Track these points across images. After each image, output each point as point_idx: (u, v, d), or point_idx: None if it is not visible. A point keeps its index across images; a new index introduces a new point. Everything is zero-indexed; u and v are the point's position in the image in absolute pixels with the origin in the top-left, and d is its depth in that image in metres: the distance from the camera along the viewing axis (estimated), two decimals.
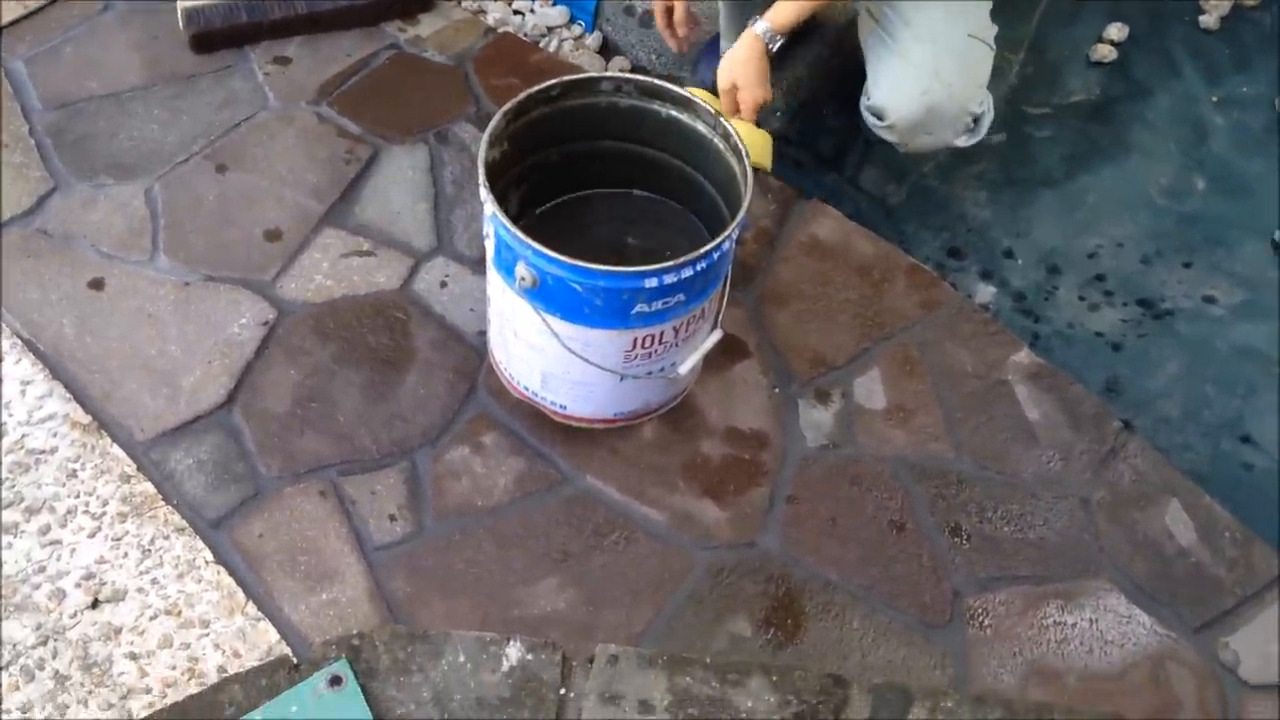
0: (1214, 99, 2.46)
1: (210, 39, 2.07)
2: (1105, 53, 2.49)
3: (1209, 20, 2.56)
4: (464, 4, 2.44)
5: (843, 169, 2.32)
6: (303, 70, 2.09)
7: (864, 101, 1.96)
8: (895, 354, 1.81)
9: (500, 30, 2.28)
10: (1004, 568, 1.59)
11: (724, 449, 1.69)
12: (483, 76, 2.12)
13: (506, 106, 1.51)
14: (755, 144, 1.90)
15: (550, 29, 2.45)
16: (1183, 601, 1.59)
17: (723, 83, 1.85)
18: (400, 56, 2.14)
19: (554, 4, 2.48)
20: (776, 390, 1.76)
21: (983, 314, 1.89)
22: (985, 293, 2.14)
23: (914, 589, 1.57)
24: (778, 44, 1.86)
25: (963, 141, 2.03)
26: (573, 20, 2.47)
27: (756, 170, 1.68)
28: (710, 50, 2.32)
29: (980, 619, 1.54)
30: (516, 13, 2.47)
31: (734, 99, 1.85)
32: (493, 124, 1.50)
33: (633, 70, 2.42)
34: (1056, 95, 2.46)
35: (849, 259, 1.92)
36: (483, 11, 2.43)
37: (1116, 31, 2.52)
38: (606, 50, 2.46)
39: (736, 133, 1.52)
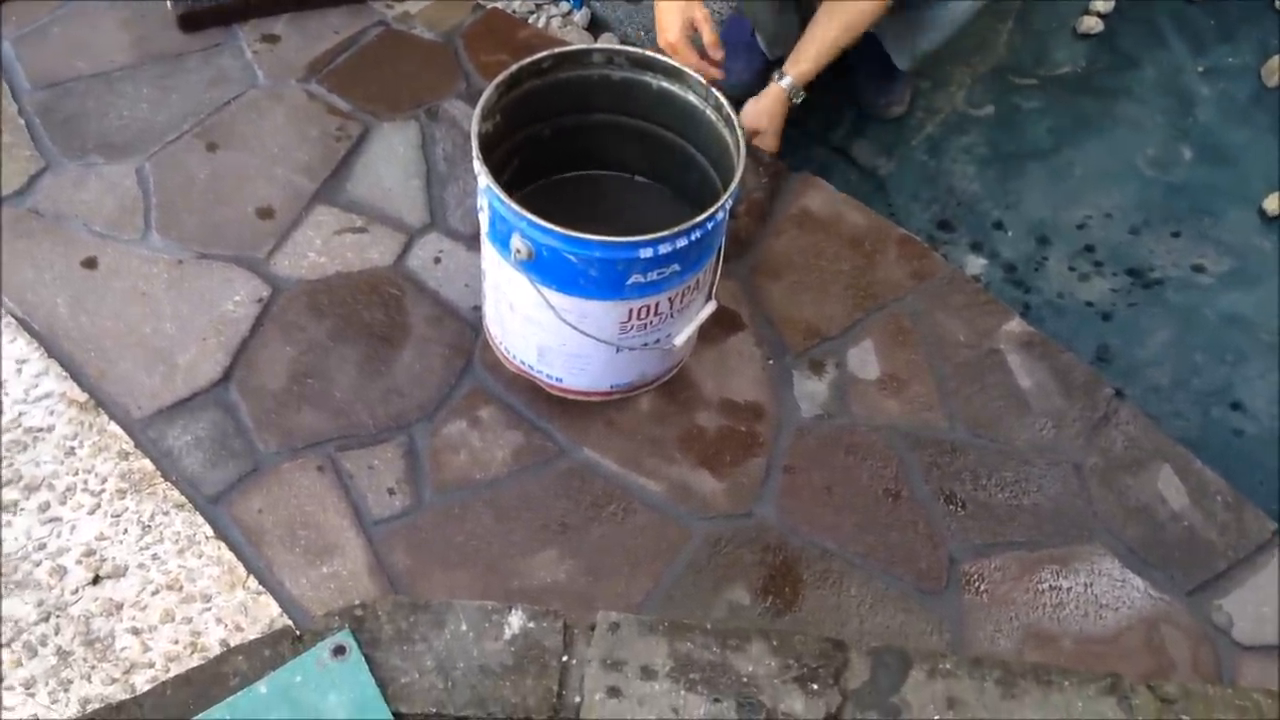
0: (1200, 69, 2.47)
1: (198, 17, 2.06)
2: (1092, 24, 2.50)
3: None
4: None
5: (831, 142, 2.32)
6: (291, 48, 2.08)
7: None
8: (888, 324, 1.82)
9: (489, 6, 2.28)
10: (999, 534, 1.61)
11: (720, 420, 1.70)
12: (472, 53, 2.12)
13: (499, 79, 1.52)
14: None
15: (538, 5, 2.44)
16: (1176, 565, 1.60)
17: (746, 125, 1.89)
18: (389, 33, 2.14)
19: None
20: (771, 361, 1.77)
21: (974, 284, 1.90)
22: (976, 264, 2.15)
23: (910, 556, 1.58)
24: (801, 98, 1.97)
25: None
26: None
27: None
28: (733, 40, 2.29)
29: (976, 584, 1.56)
30: None
31: (750, 141, 1.90)
32: (485, 96, 1.50)
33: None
34: (1044, 67, 2.46)
35: (840, 231, 1.93)
36: None
37: (1102, 4, 2.53)
38: (595, 27, 2.46)
39: (729, 104, 1.52)
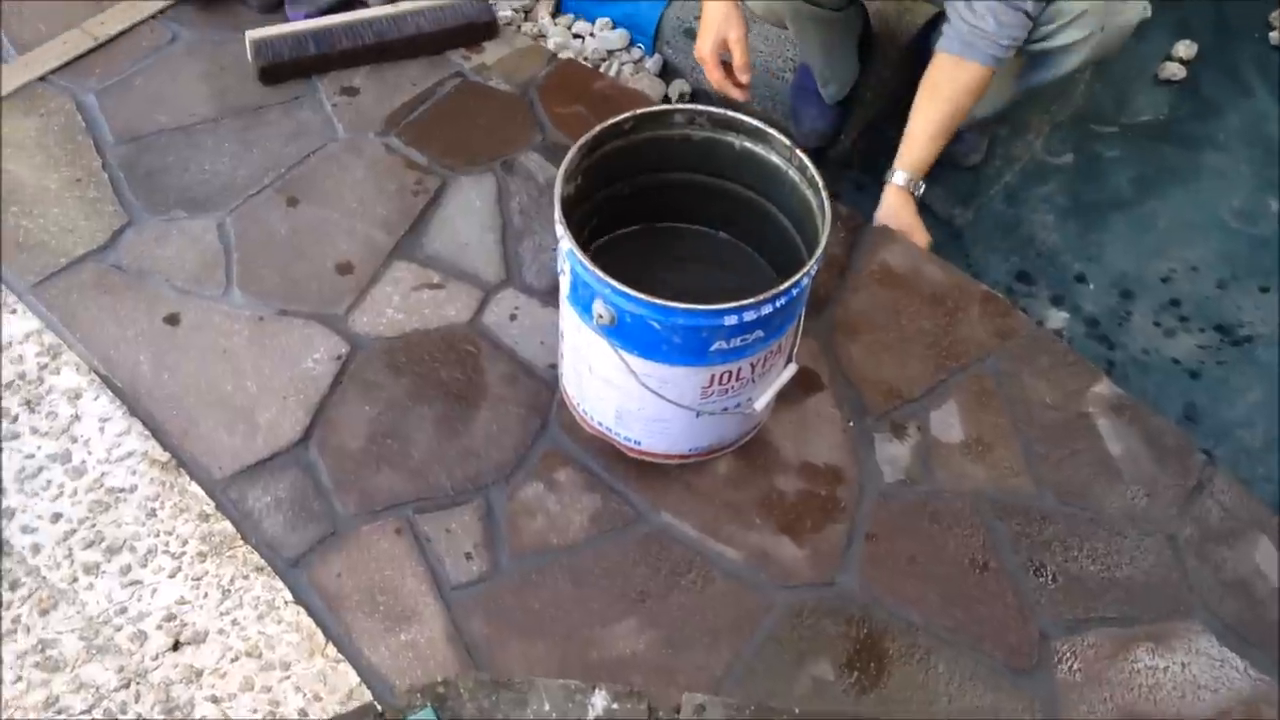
0: None
1: (278, 70, 2.08)
2: (1174, 71, 2.46)
3: (1279, 37, 2.51)
4: (523, 29, 2.44)
5: None
6: (370, 100, 2.09)
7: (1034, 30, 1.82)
8: (971, 385, 1.78)
9: (562, 56, 2.28)
10: (1091, 609, 1.56)
11: (799, 484, 1.67)
12: (547, 105, 2.12)
13: (581, 141, 1.50)
14: None
15: (610, 53, 2.44)
16: (1276, 643, 1.55)
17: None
18: (466, 85, 2.14)
19: (614, 28, 2.47)
20: (851, 424, 1.73)
21: (1060, 344, 1.86)
22: (1057, 319, 2.11)
23: (999, 631, 1.54)
24: (922, 190, 1.92)
25: (1144, 14, 1.90)
26: (632, 43, 2.47)
27: None
28: (802, 89, 2.28)
29: (1069, 662, 1.51)
30: (576, 36, 2.47)
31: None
32: (568, 159, 1.49)
33: (693, 93, 2.41)
34: (1125, 114, 2.42)
35: (920, 287, 1.90)
36: (543, 36, 2.43)
37: (1184, 49, 2.48)
38: (667, 73, 2.45)
39: (814, 166, 1.50)
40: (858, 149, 2.37)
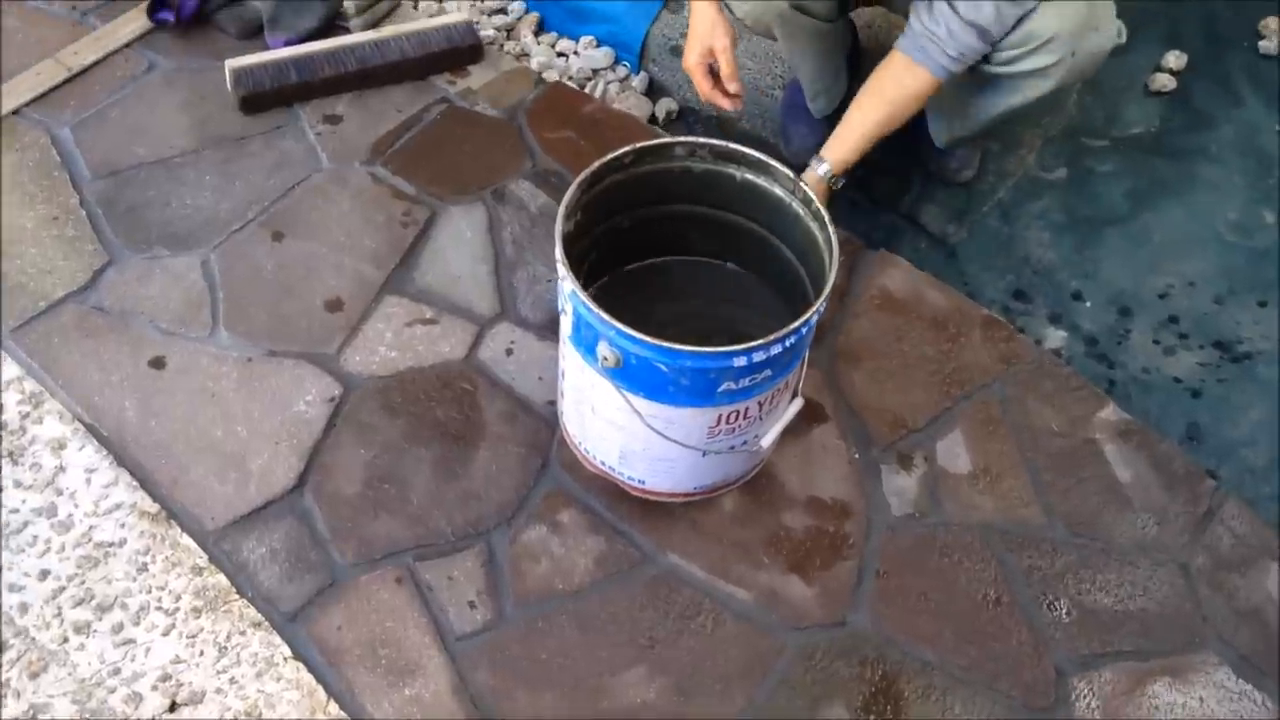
0: (1278, 128, 2.40)
1: (259, 99, 2.02)
2: (1164, 82, 2.43)
3: (1269, 45, 2.50)
4: (506, 48, 2.40)
5: (899, 209, 2.26)
6: (354, 128, 2.04)
7: (1001, 49, 1.77)
8: (976, 413, 1.76)
9: (546, 77, 2.24)
10: (1106, 643, 1.54)
11: (806, 520, 1.64)
12: (536, 130, 2.07)
13: (580, 177, 1.47)
14: None
15: (595, 71, 2.40)
16: None
17: None
18: (452, 111, 2.10)
19: (598, 46, 2.43)
20: (856, 455, 1.70)
21: (1064, 368, 1.83)
22: (1056, 338, 2.08)
23: (1015, 668, 1.51)
24: (840, 185, 1.83)
25: (1117, 37, 1.84)
26: (618, 62, 2.43)
27: None
28: (792, 106, 2.25)
29: (1086, 700, 1.49)
30: (560, 55, 2.43)
31: None
32: (567, 196, 1.45)
33: (681, 111, 2.37)
34: (1116, 127, 2.40)
35: (921, 312, 1.87)
36: (526, 55, 2.39)
37: (1174, 60, 2.46)
38: (653, 91, 2.42)
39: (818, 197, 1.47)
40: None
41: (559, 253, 1.40)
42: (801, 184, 1.49)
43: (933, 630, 1.54)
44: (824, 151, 1.82)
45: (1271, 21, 2.51)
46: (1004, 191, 2.30)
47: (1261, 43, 2.50)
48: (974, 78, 1.83)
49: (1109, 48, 1.82)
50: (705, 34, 1.82)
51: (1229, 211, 2.27)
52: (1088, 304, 2.13)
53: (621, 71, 2.41)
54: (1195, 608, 1.58)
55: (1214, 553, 1.63)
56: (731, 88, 1.86)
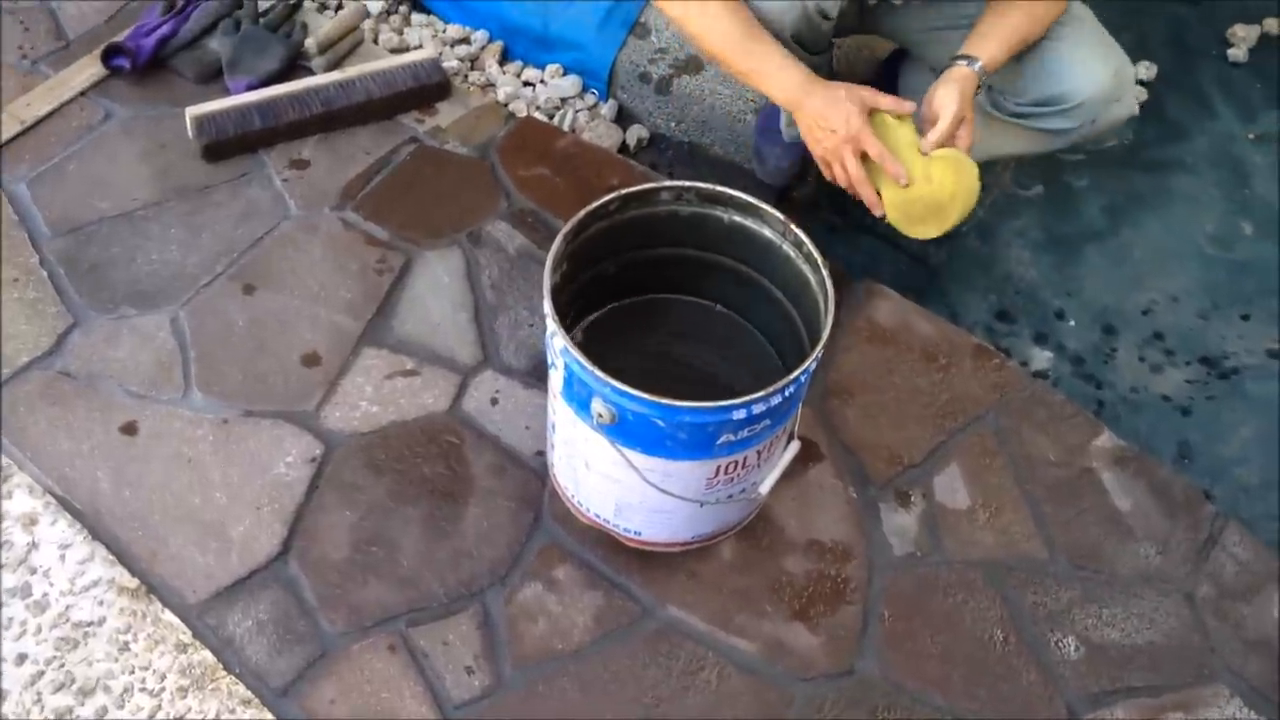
0: (1250, 136, 2.40)
1: (222, 147, 1.96)
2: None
3: (1237, 53, 2.51)
4: (471, 79, 2.35)
5: (878, 230, 2.23)
6: (322, 172, 1.99)
7: (1022, 100, 1.78)
8: (972, 445, 1.73)
9: (514, 108, 2.19)
10: (1116, 679, 1.52)
11: (807, 564, 1.60)
12: (509, 168, 2.03)
13: (566, 228, 1.42)
14: (971, 184, 1.68)
15: (564, 100, 2.36)
16: None
17: (937, 113, 1.66)
18: (422, 150, 2.04)
19: (565, 74, 2.39)
20: (854, 494, 1.67)
21: (1056, 395, 1.81)
22: (1041, 358, 2.07)
23: (1026, 709, 1.49)
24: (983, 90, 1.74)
25: (1134, 109, 1.88)
26: (585, 90, 2.39)
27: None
28: (766, 130, 2.22)
29: None
30: (527, 84, 2.39)
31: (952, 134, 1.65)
32: (554, 248, 1.40)
33: (651, 138, 2.34)
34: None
35: (911, 343, 1.84)
36: (491, 85, 2.34)
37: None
38: (623, 119, 2.37)
39: (810, 241, 1.44)
40: (824, 189, 2.30)
41: (548, 307, 1.35)
42: (791, 226, 1.46)
43: (941, 674, 1.51)
44: (969, 49, 1.68)
45: (1239, 29, 2.52)
46: (982, 210, 2.28)
47: (1230, 50, 2.51)
48: (990, 117, 1.83)
49: (1125, 119, 1.88)
50: (848, 94, 1.65)
51: (1207, 224, 2.27)
52: (1071, 323, 2.11)
53: (590, 99, 2.37)
54: (1203, 639, 1.56)
55: (1218, 581, 1.61)
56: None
